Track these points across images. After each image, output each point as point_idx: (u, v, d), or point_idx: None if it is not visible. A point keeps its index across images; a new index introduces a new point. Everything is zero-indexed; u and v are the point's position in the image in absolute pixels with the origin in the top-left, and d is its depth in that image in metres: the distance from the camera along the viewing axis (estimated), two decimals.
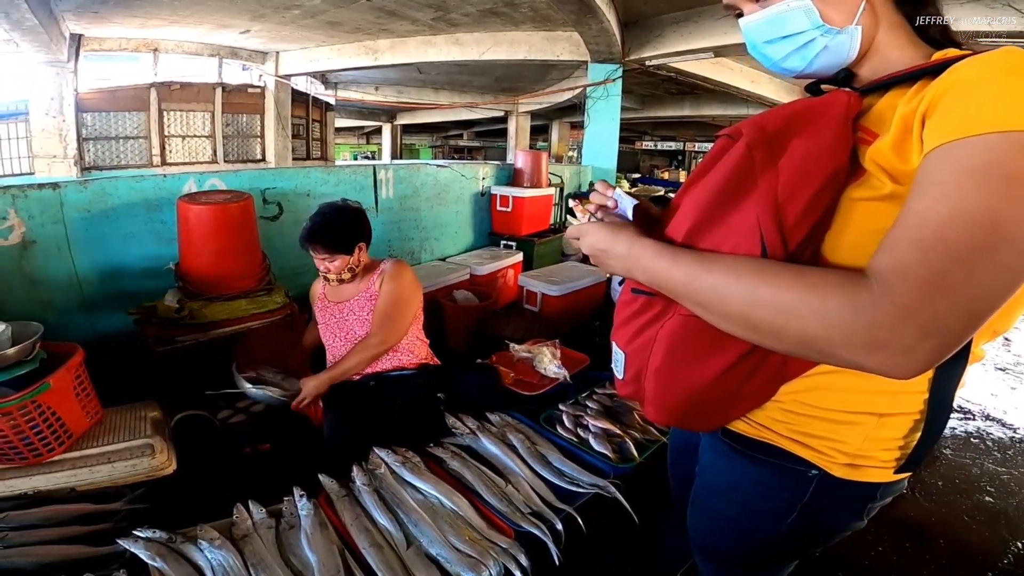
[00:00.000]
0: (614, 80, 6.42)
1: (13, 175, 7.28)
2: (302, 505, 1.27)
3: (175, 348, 1.93)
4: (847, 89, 0.64)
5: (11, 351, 1.35)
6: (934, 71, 0.54)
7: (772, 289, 0.54)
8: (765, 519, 0.79)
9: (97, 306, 2.21)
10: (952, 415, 2.53)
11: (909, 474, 0.73)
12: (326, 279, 1.76)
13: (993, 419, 2.72)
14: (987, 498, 2.09)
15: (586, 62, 6.60)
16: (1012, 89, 0.46)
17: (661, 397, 0.74)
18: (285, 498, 1.31)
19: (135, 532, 1.15)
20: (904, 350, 0.47)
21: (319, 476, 1.37)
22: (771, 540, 0.82)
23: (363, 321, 1.77)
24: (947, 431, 2.59)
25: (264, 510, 1.27)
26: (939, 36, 0.66)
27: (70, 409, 1.46)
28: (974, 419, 2.71)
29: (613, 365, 0.83)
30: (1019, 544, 1.82)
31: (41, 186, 2.01)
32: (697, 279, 0.60)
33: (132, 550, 1.11)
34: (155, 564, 1.08)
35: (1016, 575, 1.69)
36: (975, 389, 3.07)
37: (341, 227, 1.69)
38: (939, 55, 0.59)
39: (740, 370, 0.66)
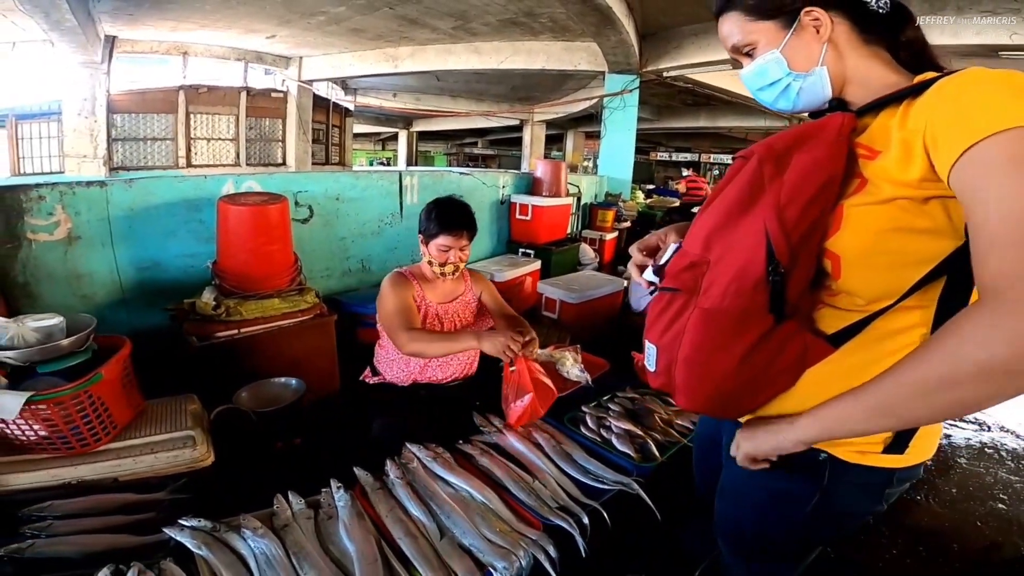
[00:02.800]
0: (631, 91, 6.48)
1: (43, 173, 7.50)
2: (339, 496, 1.30)
3: (212, 344, 2.01)
4: (842, 112, 0.72)
5: (65, 342, 1.41)
6: (916, 91, 0.64)
7: (936, 372, 0.57)
8: (790, 504, 0.85)
9: (135, 301, 2.29)
10: (968, 426, 2.55)
11: (923, 460, 0.79)
12: (442, 272, 1.76)
13: (1008, 431, 2.75)
14: (1000, 505, 2.12)
15: (603, 72, 6.67)
16: (976, 98, 0.56)
17: (690, 384, 0.79)
18: (323, 489, 1.34)
19: (181, 521, 1.18)
20: None
21: (354, 469, 1.41)
22: (796, 524, 0.87)
23: (470, 319, 1.91)
24: (962, 441, 2.63)
25: (303, 501, 1.30)
26: (915, 63, 0.75)
27: (117, 400, 1.50)
28: (989, 430, 2.73)
29: (646, 360, 0.88)
30: None
31: (89, 184, 2.11)
32: (885, 404, 0.63)
33: (178, 539, 1.14)
34: (200, 553, 1.10)
35: None
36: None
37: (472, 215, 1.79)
38: (919, 78, 0.68)
39: (762, 353, 0.73)
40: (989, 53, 4.88)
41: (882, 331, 0.71)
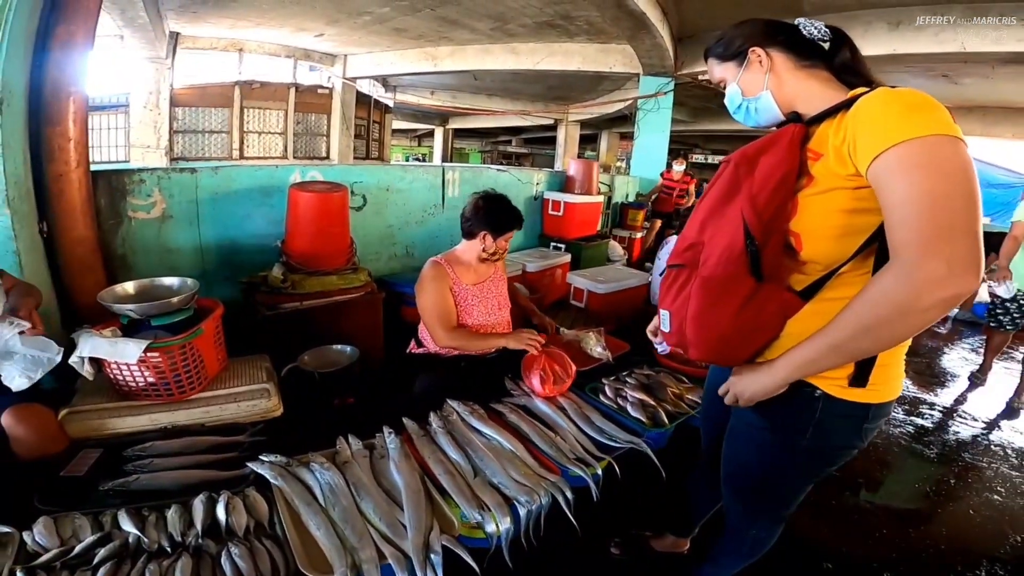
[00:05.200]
0: (666, 93, 6.57)
1: (109, 162, 8.07)
2: (390, 440, 1.51)
3: (279, 313, 2.29)
4: (795, 123, 0.94)
5: (175, 300, 1.69)
6: (847, 105, 0.84)
7: (867, 315, 0.79)
8: (789, 435, 1.04)
9: (213, 274, 2.58)
10: (977, 424, 2.64)
11: (891, 399, 0.98)
12: (490, 259, 2.03)
13: (1017, 431, 2.82)
14: (995, 497, 2.21)
15: (638, 74, 6.78)
16: (883, 118, 0.77)
17: (699, 336, 1.01)
18: (377, 434, 1.55)
19: (261, 457, 1.39)
20: (941, 272, 0.71)
21: (403, 419, 1.63)
22: (795, 455, 1.06)
23: (505, 293, 2.15)
24: (968, 437, 2.71)
25: (360, 443, 1.51)
26: (851, 79, 0.95)
27: (210, 354, 1.76)
28: (1000, 429, 2.80)
29: (661, 324, 1.12)
30: (1019, 538, 1.94)
31: (182, 170, 2.42)
32: (832, 344, 0.85)
33: (259, 471, 1.34)
34: (276, 483, 1.30)
35: (1010, 563, 1.81)
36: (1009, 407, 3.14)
37: None
38: (852, 93, 0.87)
39: (751, 309, 0.93)
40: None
41: (838, 286, 0.90)
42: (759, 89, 1.01)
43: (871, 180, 0.78)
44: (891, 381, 0.98)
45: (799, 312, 0.93)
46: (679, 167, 6.36)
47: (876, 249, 0.87)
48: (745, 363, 1.02)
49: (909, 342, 0.95)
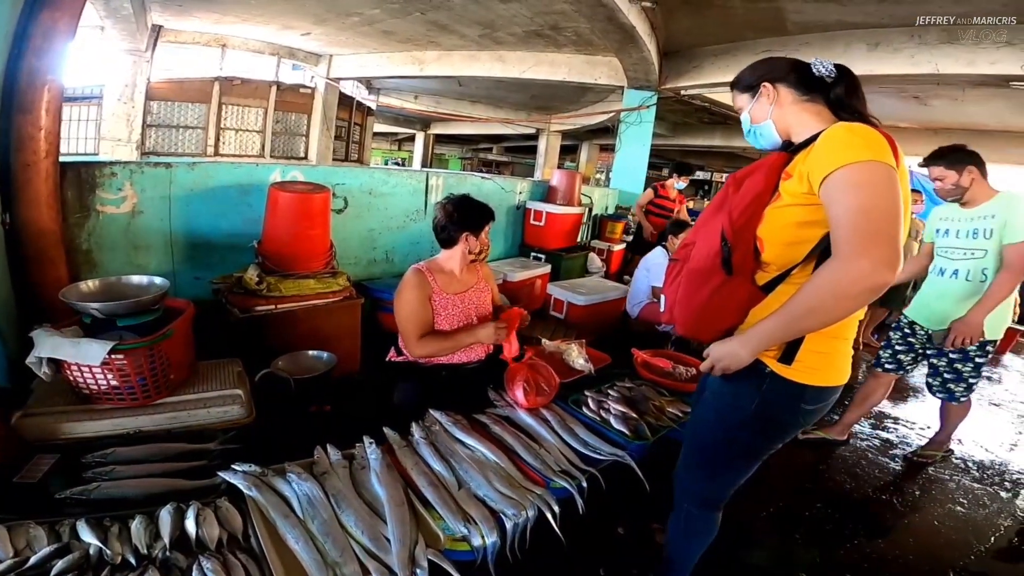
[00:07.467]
0: (648, 107, 6.67)
1: (78, 154, 7.78)
2: (371, 450, 1.46)
3: (252, 316, 2.21)
4: (781, 151, 1.15)
5: (144, 299, 1.60)
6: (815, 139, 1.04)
7: (812, 298, 0.99)
8: (740, 401, 1.21)
9: (183, 274, 2.49)
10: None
11: (825, 384, 1.14)
12: (478, 258, 2.05)
13: (979, 445, 2.93)
14: (958, 508, 2.31)
15: (622, 87, 6.86)
16: (834, 146, 0.98)
17: (682, 315, 1.25)
18: (357, 444, 1.50)
19: (234, 467, 1.31)
20: (867, 269, 0.92)
21: (384, 429, 1.58)
22: (741, 424, 1.22)
23: (487, 304, 2.10)
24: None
25: (340, 453, 1.46)
26: (841, 112, 1.12)
27: (178, 357, 1.68)
28: (962, 444, 2.90)
29: (660, 306, 1.35)
30: (982, 548, 2.03)
31: (156, 164, 2.32)
32: (785, 321, 1.05)
33: (232, 481, 1.28)
34: (251, 494, 1.24)
35: (975, 572, 1.89)
36: (969, 420, 3.22)
37: None
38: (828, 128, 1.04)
39: (720, 296, 1.15)
40: (1001, 83, 5.03)
41: (790, 283, 1.10)
42: (764, 118, 1.20)
43: (822, 195, 0.98)
44: (827, 368, 1.15)
45: (760, 302, 1.13)
46: (681, 184, 5.15)
47: (818, 257, 1.06)
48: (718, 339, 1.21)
49: (847, 333, 1.15)
